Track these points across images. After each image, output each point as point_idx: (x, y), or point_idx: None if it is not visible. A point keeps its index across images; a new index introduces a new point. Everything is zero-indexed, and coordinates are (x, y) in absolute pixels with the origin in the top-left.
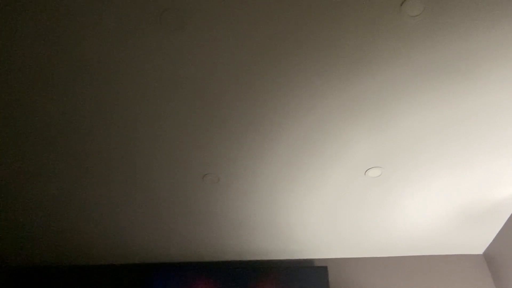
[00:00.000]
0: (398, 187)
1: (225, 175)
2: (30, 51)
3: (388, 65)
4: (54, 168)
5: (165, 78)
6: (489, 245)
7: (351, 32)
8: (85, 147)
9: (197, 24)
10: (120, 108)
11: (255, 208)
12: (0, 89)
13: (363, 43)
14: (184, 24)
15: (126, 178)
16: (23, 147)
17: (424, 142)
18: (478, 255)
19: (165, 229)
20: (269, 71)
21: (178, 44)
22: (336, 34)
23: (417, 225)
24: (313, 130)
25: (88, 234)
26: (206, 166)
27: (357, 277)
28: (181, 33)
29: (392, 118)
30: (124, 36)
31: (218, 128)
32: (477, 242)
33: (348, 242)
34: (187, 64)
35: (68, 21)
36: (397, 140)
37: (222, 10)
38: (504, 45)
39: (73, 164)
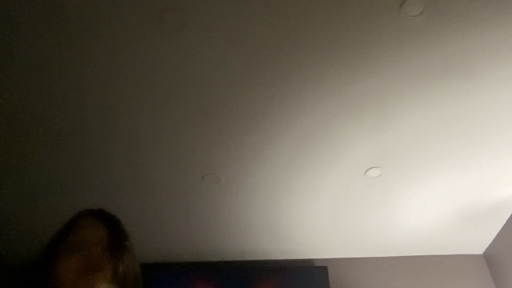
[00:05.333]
0: (398, 187)
1: (225, 175)
2: (31, 52)
3: (388, 65)
4: (54, 169)
5: (165, 78)
6: (489, 245)
7: (351, 32)
8: (85, 147)
9: (197, 24)
10: (120, 108)
11: (255, 208)
12: (4, 90)
13: (363, 43)
14: (184, 24)
15: (126, 178)
16: (24, 149)
17: (424, 142)
18: (478, 255)
19: (165, 229)
20: (269, 71)
21: (178, 44)
22: (336, 34)
23: (417, 225)
24: (313, 130)
25: None
26: (206, 166)
27: (357, 277)
28: (181, 33)
29: (392, 118)
30: (124, 36)
31: (218, 128)
32: (477, 242)
33: (348, 242)
34: (187, 64)
35: (69, 22)
36: (397, 140)
37: (222, 10)
38: (504, 45)
39: (73, 164)
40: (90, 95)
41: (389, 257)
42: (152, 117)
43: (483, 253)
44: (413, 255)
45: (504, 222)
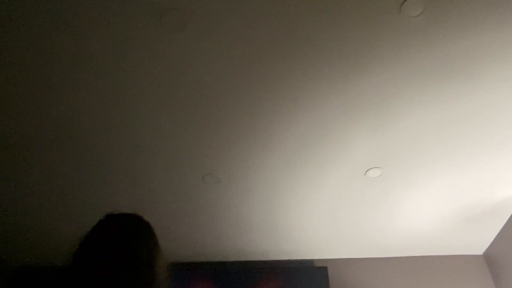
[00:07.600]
0: (398, 188)
1: (225, 175)
2: (31, 52)
3: (388, 65)
4: (54, 169)
5: (165, 79)
6: (489, 245)
7: (352, 32)
8: (85, 147)
9: (197, 25)
10: (120, 108)
11: (255, 208)
12: (5, 89)
13: (364, 43)
14: (185, 24)
15: (127, 178)
16: (25, 147)
17: (424, 142)
18: (478, 255)
19: (165, 229)
20: (269, 71)
21: (178, 44)
22: (336, 35)
23: (417, 225)
24: (313, 130)
25: None
26: (206, 166)
27: (357, 277)
28: (181, 33)
29: (392, 118)
30: (124, 37)
31: (218, 128)
32: (477, 242)
33: (348, 242)
34: (187, 64)
35: (69, 22)
36: (397, 140)
37: (222, 10)
38: (504, 45)
39: (73, 164)
40: (90, 95)
41: (389, 257)
42: (152, 117)
43: (483, 253)
44: (413, 255)
45: (504, 222)
